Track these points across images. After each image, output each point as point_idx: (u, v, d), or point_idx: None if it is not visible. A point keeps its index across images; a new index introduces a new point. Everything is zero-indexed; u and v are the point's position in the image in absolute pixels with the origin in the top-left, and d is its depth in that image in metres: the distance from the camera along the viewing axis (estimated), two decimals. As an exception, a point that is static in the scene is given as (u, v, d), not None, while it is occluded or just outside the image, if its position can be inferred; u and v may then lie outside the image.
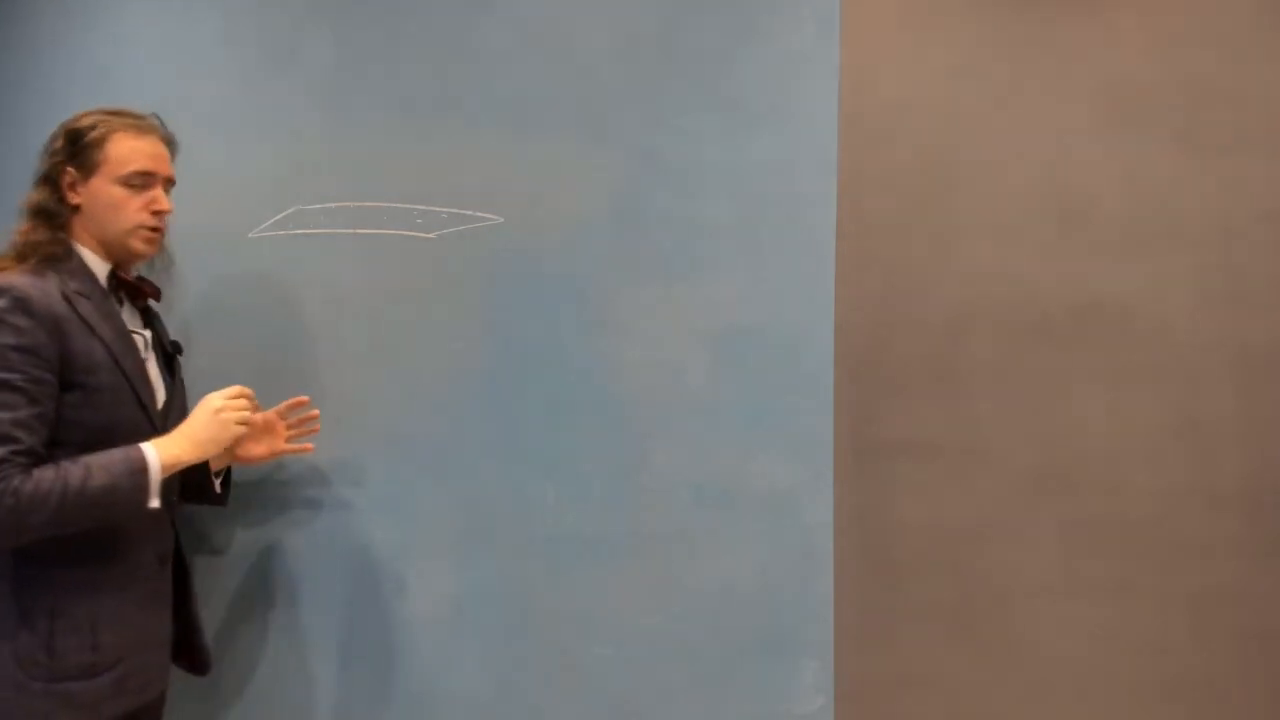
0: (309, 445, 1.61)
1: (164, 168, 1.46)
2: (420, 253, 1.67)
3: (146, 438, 1.37)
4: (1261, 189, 1.75)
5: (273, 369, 1.69)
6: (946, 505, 1.79)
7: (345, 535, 1.66)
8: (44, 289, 1.33)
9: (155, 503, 1.33)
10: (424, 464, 1.64)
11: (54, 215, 1.41)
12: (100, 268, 1.43)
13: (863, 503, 1.81)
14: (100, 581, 1.36)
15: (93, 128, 1.41)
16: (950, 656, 1.77)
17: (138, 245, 1.43)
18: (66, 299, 1.34)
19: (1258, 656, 1.70)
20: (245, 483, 1.67)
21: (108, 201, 1.41)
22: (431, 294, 1.66)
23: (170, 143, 1.49)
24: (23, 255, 1.38)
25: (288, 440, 1.60)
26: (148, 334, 1.49)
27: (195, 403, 1.45)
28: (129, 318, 1.47)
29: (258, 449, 1.58)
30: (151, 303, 1.53)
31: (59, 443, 1.32)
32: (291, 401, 1.60)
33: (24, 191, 1.44)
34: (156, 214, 1.44)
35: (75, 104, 1.49)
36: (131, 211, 1.42)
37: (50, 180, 1.42)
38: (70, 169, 1.41)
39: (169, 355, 1.55)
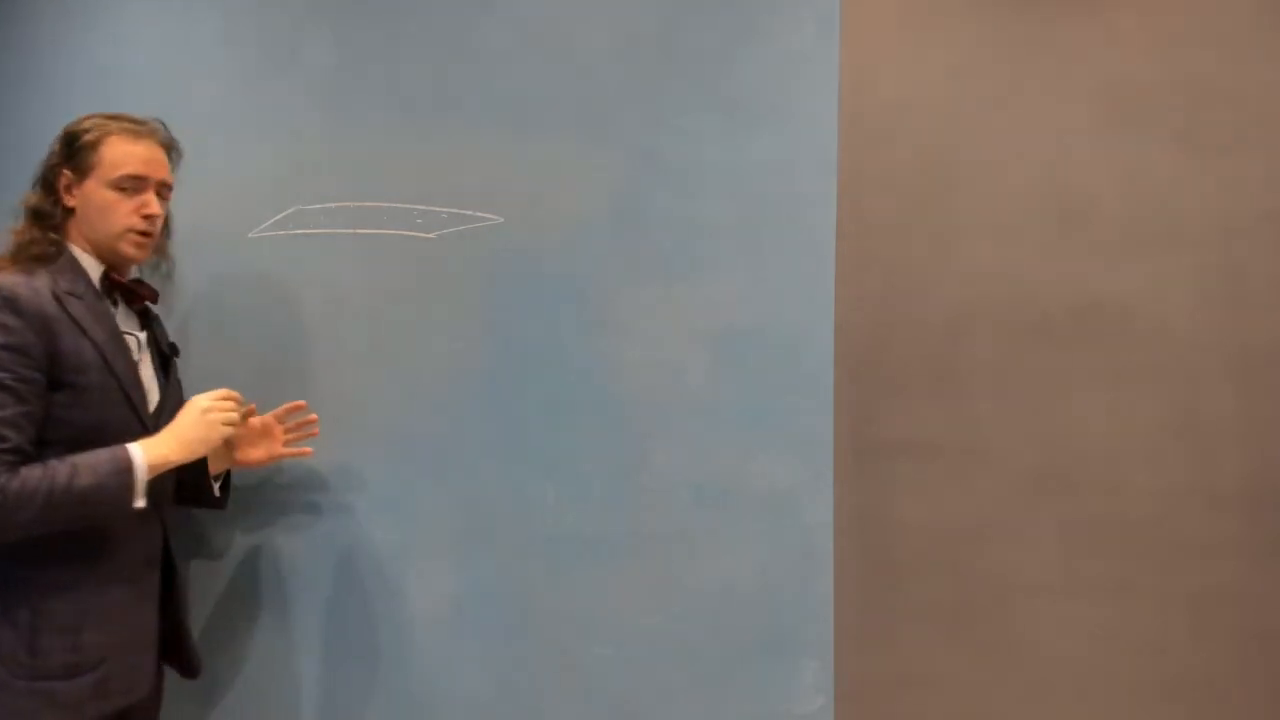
0: (307, 449, 1.61)
1: (158, 172, 1.45)
2: (420, 253, 1.67)
3: (136, 438, 1.37)
4: (1261, 189, 1.74)
5: (272, 369, 1.69)
6: (946, 505, 1.79)
7: (345, 535, 1.67)
8: (34, 288, 1.33)
9: (141, 502, 1.33)
10: (424, 464, 1.64)
11: (47, 216, 1.41)
12: (94, 269, 1.43)
13: (863, 503, 1.80)
14: (85, 581, 1.36)
15: (89, 130, 1.41)
16: (950, 656, 1.77)
17: (127, 249, 1.43)
18: (57, 299, 1.34)
19: (1258, 656, 1.70)
20: (244, 485, 1.67)
21: (99, 204, 1.41)
22: (431, 294, 1.66)
23: (171, 148, 1.49)
24: (16, 255, 1.38)
25: (286, 444, 1.60)
26: (142, 335, 1.49)
27: (193, 404, 1.45)
28: (125, 319, 1.47)
29: (256, 453, 1.58)
30: (150, 305, 1.53)
31: (48, 442, 1.31)
32: (289, 406, 1.60)
33: (24, 192, 1.44)
34: (147, 218, 1.43)
35: (75, 104, 1.49)
36: (121, 215, 1.42)
37: (47, 182, 1.43)
38: (66, 171, 1.41)
39: (165, 357, 1.54)
